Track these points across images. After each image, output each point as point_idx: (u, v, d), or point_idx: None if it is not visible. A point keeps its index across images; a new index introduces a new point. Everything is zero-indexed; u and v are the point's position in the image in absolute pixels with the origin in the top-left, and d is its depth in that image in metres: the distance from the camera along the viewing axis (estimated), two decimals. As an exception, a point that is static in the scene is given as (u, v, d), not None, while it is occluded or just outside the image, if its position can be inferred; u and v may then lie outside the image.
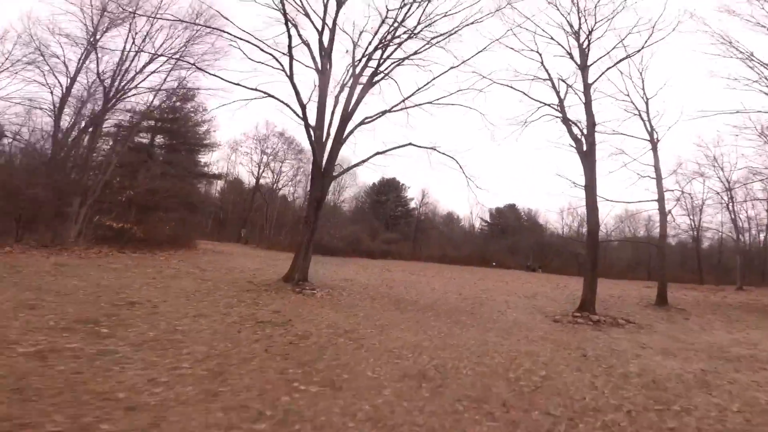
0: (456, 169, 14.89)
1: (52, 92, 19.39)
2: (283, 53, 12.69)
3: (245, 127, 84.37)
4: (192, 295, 9.89)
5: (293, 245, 36.86)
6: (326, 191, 14.17)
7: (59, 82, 20.20)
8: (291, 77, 11.74)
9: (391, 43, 14.60)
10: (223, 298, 10.05)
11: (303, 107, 12.21)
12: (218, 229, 49.23)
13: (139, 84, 19.49)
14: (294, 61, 12.57)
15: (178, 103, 26.56)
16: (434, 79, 14.19)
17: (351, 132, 13.82)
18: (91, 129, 20.44)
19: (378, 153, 13.80)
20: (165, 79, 20.29)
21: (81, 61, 20.35)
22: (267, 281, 13.53)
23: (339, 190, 54.31)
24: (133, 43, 19.31)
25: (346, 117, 13.93)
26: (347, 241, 37.93)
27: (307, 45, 13.80)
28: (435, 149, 14.42)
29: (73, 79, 20.55)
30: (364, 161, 13.85)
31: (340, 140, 13.63)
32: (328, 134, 13.64)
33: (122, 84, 19.50)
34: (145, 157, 24.40)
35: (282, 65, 12.19)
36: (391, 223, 54.02)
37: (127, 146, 20.65)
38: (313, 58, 13.96)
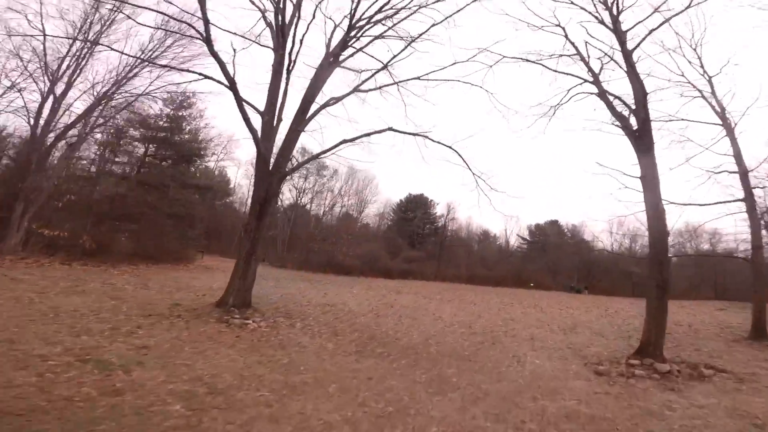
0: (459, 164, 11.31)
1: (22, 97, 17.86)
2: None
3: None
4: (58, 316, 7.80)
5: (304, 263, 34.43)
6: (276, 191, 11.00)
7: (38, 88, 18.77)
8: (209, 42, 8.76)
9: (366, 18, 11.52)
10: (99, 323, 7.46)
11: (232, 83, 9.16)
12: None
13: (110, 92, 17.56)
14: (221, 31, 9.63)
15: (170, 110, 24.89)
16: (413, 41, 10.85)
17: (313, 116, 10.68)
18: (67, 137, 18.72)
19: (345, 141, 10.50)
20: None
21: (58, 67, 18.88)
22: (199, 305, 10.42)
23: (361, 205, 51.45)
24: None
25: (307, 99, 10.85)
26: (364, 259, 34.64)
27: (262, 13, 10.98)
28: (426, 136, 10.95)
29: (53, 84, 19.11)
30: (326, 151, 10.59)
31: (297, 128, 10.51)
32: (280, 119, 10.59)
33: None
34: (131, 167, 22.68)
35: (200, 31, 9.17)
36: (418, 241, 50.17)
37: (77, 155, 18.78)
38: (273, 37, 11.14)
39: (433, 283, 33.73)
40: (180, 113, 26.41)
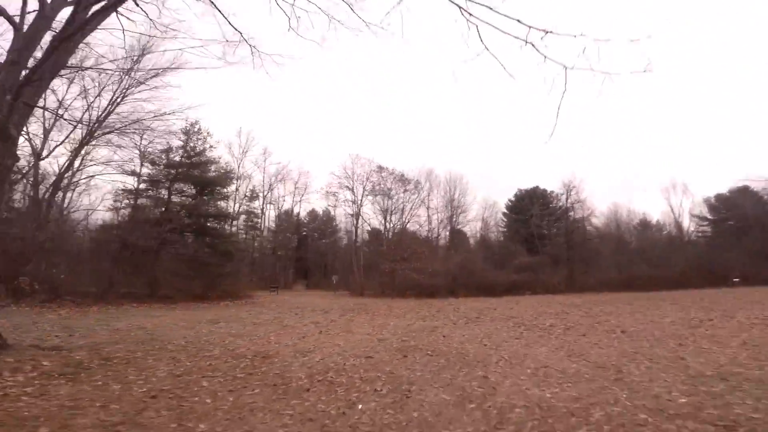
0: None
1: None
2: None
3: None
4: None
5: (382, 289, 26.85)
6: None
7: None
8: None
9: None
10: None
11: None
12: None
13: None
14: None
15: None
16: None
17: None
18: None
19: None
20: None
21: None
22: None
23: (456, 213, 42.08)
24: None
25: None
26: (449, 275, 25.70)
27: None
28: None
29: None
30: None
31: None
32: None
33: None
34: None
35: None
36: (541, 244, 38.29)
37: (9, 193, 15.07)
38: None
39: (556, 296, 22.57)
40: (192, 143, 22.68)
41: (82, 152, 19.07)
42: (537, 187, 45.05)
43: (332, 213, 45.95)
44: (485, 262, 31.37)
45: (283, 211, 47.73)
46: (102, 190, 20.73)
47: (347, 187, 36.38)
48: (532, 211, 41.68)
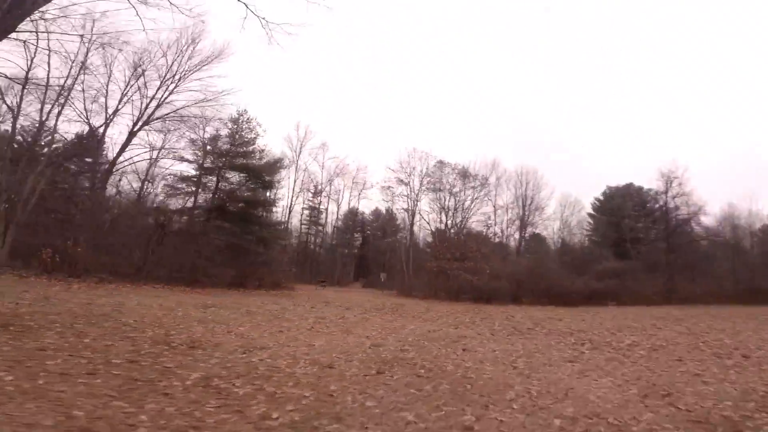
0: None
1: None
2: None
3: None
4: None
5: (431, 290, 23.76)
6: None
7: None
8: None
9: None
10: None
11: None
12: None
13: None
14: None
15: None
16: None
17: None
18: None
19: None
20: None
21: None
22: None
23: (530, 211, 37.42)
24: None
25: None
26: (514, 279, 22.18)
27: None
28: None
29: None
30: None
31: None
32: None
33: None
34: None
35: None
36: (633, 249, 32.32)
37: (51, 171, 15.14)
38: None
39: (656, 309, 17.92)
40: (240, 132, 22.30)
41: (134, 138, 19.39)
42: (631, 184, 38.47)
43: (394, 212, 43.89)
44: (562, 266, 27.01)
45: (349, 210, 46.89)
46: (149, 174, 20.65)
47: (403, 181, 34.21)
48: (625, 212, 35.57)
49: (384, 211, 50.59)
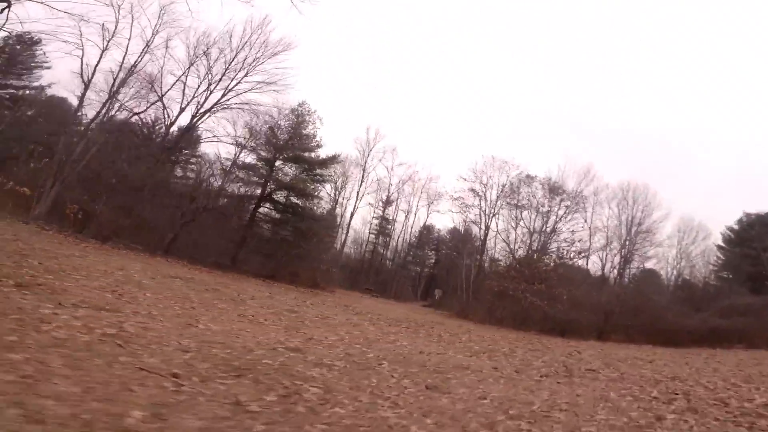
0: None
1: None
2: None
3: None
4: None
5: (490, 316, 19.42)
6: None
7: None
8: None
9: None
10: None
11: None
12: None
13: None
14: None
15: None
16: None
17: None
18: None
19: None
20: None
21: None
22: None
23: (635, 234, 30.72)
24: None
25: None
26: (600, 311, 17.55)
27: None
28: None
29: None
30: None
31: None
32: None
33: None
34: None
35: None
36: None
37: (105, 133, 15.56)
38: None
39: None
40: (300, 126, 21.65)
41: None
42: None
43: (470, 228, 39.90)
44: (674, 301, 21.25)
45: (424, 226, 44.38)
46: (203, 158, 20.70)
47: (477, 193, 30.68)
48: (765, 243, 27.45)
49: (461, 231, 46.85)
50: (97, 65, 16.77)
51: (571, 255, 24.52)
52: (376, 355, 5.45)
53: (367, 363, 4.82)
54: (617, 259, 30.33)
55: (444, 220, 45.98)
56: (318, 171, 21.56)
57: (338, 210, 36.20)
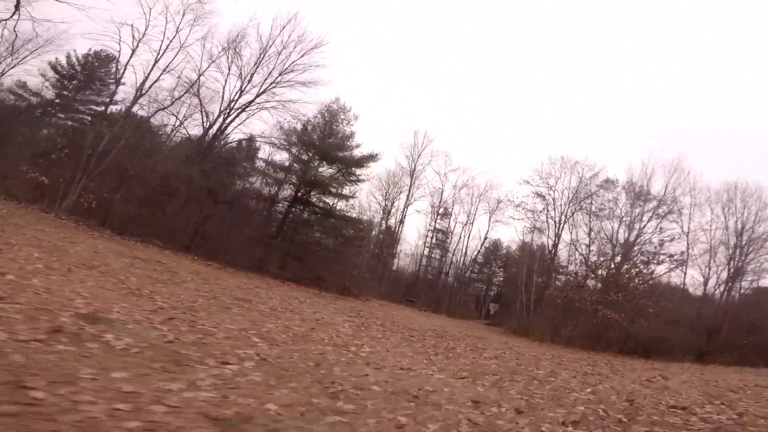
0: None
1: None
2: None
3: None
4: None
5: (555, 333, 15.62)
6: None
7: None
8: None
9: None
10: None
11: None
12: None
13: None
14: None
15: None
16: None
17: None
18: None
19: None
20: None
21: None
22: None
23: (747, 244, 24.42)
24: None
25: None
26: (702, 328, 13.82)
27: None
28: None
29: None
30: None
31: None
32: None
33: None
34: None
35: None
36: None
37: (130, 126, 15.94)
38: None
39: None
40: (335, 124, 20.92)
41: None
42: None
43: (542, 244, 35.52)
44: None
45: (492, 243, 41.25)
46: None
47: (543, 197, 27.21)
48: None
49: (531, 244, 42.37)
50: (127, 63, 17.35)
51: (662, 259, 19.95)
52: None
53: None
54: (724, 274, 23.91)
55: (510, 233, 42.21)
56: (354, 170, 20.44)
57: (392, 221, 34.72)
